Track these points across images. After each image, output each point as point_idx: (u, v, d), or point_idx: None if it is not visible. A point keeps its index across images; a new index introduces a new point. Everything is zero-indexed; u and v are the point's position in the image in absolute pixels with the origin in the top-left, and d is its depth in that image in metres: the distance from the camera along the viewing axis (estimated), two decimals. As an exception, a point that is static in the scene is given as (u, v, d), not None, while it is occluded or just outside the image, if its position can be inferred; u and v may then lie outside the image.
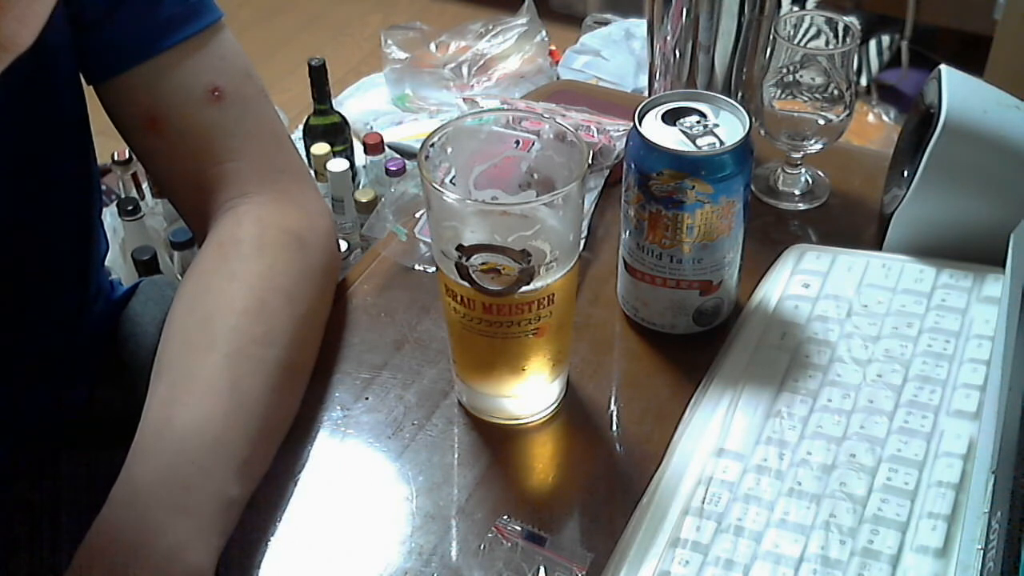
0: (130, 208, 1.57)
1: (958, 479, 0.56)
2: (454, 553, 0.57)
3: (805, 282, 0.71)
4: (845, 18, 0.77)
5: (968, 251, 0.70)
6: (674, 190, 0.62)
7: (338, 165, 1.67)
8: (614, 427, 0.65)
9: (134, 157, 1.67)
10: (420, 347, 0.70)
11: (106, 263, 0.86)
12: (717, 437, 0.61)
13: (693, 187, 0.61)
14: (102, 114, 0.69)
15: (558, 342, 0.62)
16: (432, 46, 2.13)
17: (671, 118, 0.64)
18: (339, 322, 0.72)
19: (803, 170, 0.81)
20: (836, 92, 0.75)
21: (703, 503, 0.57)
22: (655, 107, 0.64)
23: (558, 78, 2.06)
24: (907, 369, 0.63)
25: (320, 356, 0.68)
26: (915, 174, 0.70)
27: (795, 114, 0.77)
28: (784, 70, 0.75)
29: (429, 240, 0.75)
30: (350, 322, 0.72)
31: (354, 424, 0.65)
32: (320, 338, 0.68)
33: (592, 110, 0.88)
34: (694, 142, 0.62)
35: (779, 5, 0.84)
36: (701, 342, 0.68)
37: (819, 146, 0.78)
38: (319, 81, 1.77)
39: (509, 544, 0.57)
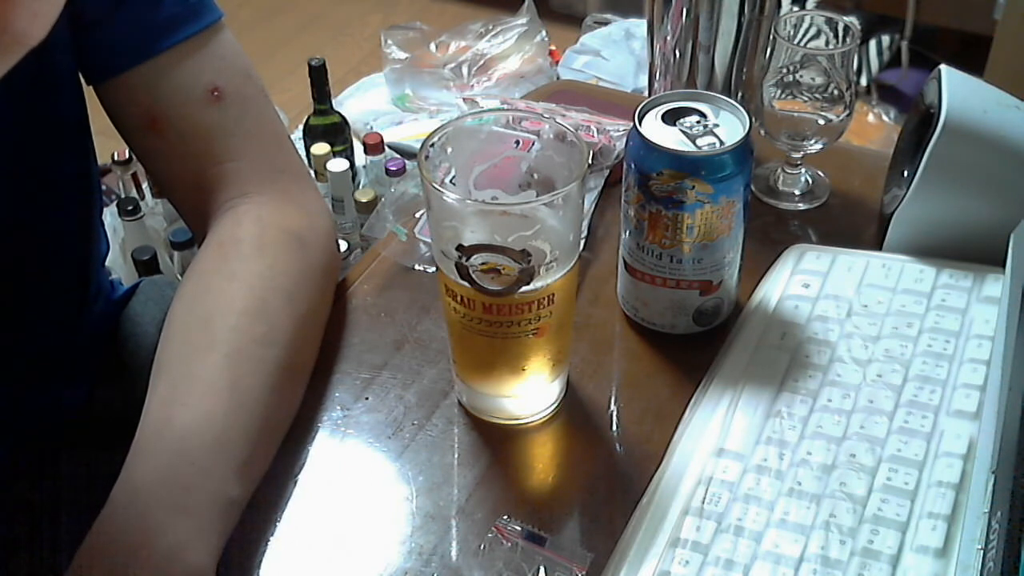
0: (130, 208, 1.57)
1: (958, 479, 0.56)
2: (454, 553, 0.57)
3: (805, 282, 0.71)
4: (845, 18, 0.77)
5: (968, 251, 0.70)
6: (674, 190, 0.62)
7: (338, 165, 1.67)
8: (614, 427, 0.65)
9: (134, 157, 1.67)
10: (420, 347, 0.70)
11: (106, 263, 0.86)
12: (717, 437, 0.61)
13: (693, 187, 0.61)
14: (102, 114, 0.69)
15: (558, 342, 0.62)
16: (432, 46, 2.13)
17: (671, 118, 0.64)
18: (339, 322, 0.72)
19: (803, 170, 0.81)
20: (836, 92, 0.75)
21: (703, 503, 0.57)
22: (655, 107, 0.64)
23: (558, 78, 2.06)
24: (907, 369, 0.63)
25: (320, 356, 0.68)
26: (915, 174, 0.70)
27: (795, 114, 0.77)
28: (784, 70, 0.75)
29: (429, 240, 0.75)
30: (350, 322, 0.72)
31: (354, 424, 0.65)
32: (320, 338, 0.68)
33: (592, 110, 0.88)
34: (694, 142, 0.62)
35: (779, 5, 0.84)
36: (701, 342, 0.68)
37: (819, 146, 0.78)
38: (319, 81, 1.77)
39: (509, 544, 0.57)
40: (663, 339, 0.69)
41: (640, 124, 0.63)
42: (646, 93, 0.90)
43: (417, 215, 0.79)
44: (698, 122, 0.63)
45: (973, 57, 1.93)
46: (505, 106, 0.95)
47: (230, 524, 0.56)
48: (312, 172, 1.70)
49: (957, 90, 0.70)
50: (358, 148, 1.84)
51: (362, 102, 2.10)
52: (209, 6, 0.68)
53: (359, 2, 2.74)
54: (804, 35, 0.78)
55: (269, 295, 0.63)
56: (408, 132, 1.96)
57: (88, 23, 0.65)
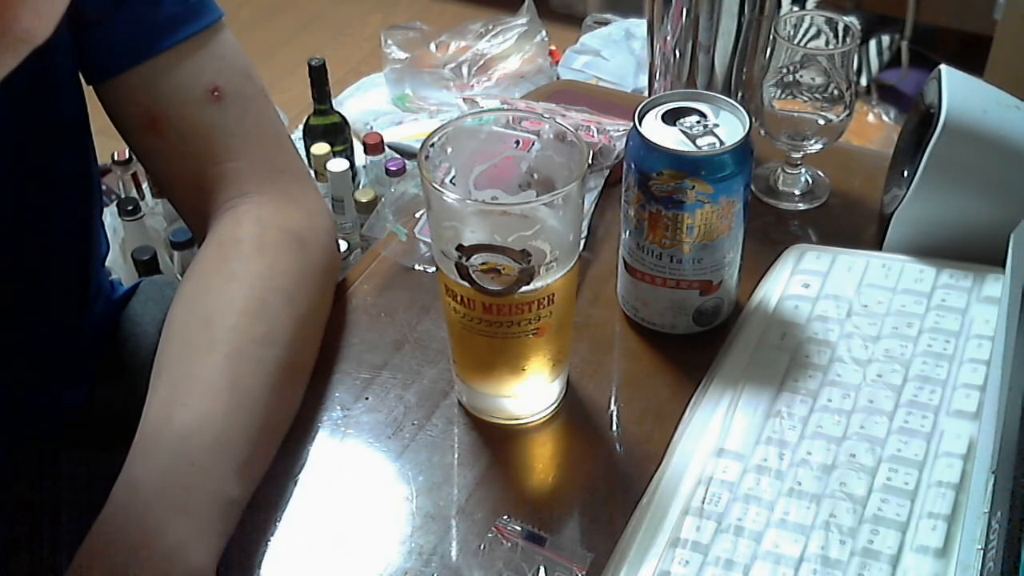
0: (130, 208, 1.57)
1: (958, 479, 0.56)
2: (454, 553, 0.57)
3: (805, 282, 0.71)
4: (845, 18, 0.77)
5: (968, 251, 0.70)
6: (674, 190, 0.62)
7: (338, 165, 1.67)
8: (614, 427, 0.65)
9: (134, 157, 1.67)
10: (420, 347, 0.70)
11: (106, 263, 0.86)
12: (717, 437, 0.61)
13: (693, 187, 0.61)
14: (102, 114, 0.69)
15: (558, 342, 0.62)
16: (432, 46, 2.13)
17: (671, 118, 0.64)
18: (339, 322, 0.72)
19: (803, 170, 0.81)
20: (836, 92, 0.75)
21: (703, 503, 0.57)
22: (655, 107, 0.64)
23: (558, 78, 2.06)
24: (907, 369, 0.63)
25: (320, 356, 0.68)
26: (915, 174, 0.70)
27: (795, 114, 0.77)
28: (784, 70, 0.75)
29: (429, 240, 0.75)
30: (350, 322, 0.72)
31: (354, 424, 0.65)
32: (320, 338, 0.68)
33: (592, 110, 0.88)
34: (694, 142, 0.62)
35: (779, 5, 0.83)
36: (701, 342, 0.68)
37: (819, 146, 0.78)
38: (319, 81, 1.77)
39: (509, 544, 0.57)
40: (663, 339, 0.69)
41: (640, 124, 0.63)
42: (646, 93, 0.90)
43: (417, 215, 0.79)
44: (698, 122, 0.63)
45: (973, 57, 1.93)
46: (505, 106, 0.95)
47: (230, 524, 0.56)
48: (312, 172, 1.70)
49: (957, 90, 0.70)
50: (358, 148, 1.84)
51: (362, 102, 2.10)
52: (209, 6, 0.68)
53: (359, 2, 2.74)
54: (804, 35, 0.78)
55: (269, 295, 0.63)
56: (408, 132, 1.96)
57: (88, 23, 0.65)
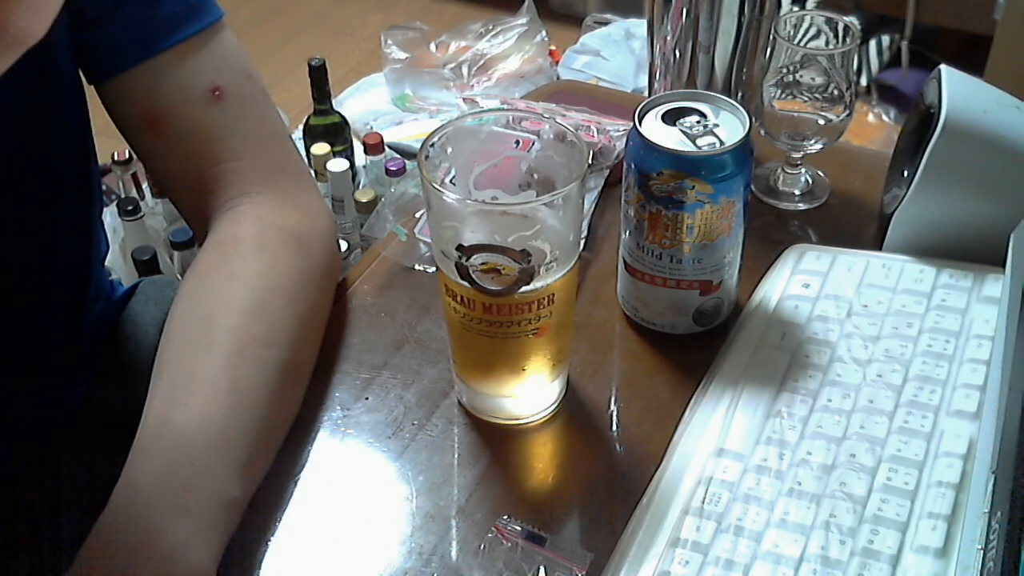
0: (130, 208, 1.57)
1: (958, 479, 0.56)
2: (454, 553, 0.57)
3: (805, 282, 0.71)
4: (845, 18, 0.77)
5: (968, 251, 0.70)
6: (674, 190, 0.62)
7: (338, 165, 1.67)
8: (614, 427, 0.65)
9: (134, 157, 1.67)
10: (420, 347, 0.70)
11: (106, 263, 0.86)
12: (717, 437, 0.61)
13: (693, 187, 0.61)
14: (102, 113, 0.69)
15: (558, 342, 0.62)
16: (432, 46, 2.13)
17: (671, 118, 0.64)
18: (339, 322, 0.72)
19: (803, 170, 0.81)
20: (836, 92, 0.75)
21: (703, 503, 0.57)
22: (655, 107, 0.64)
23: (558, 78, 2.06)
24: (907, 369, 0.63)
25: (320, 356, 0.68)
26: (915, 174, 0.70)
27: (795, 114, 0.77)
28: (784, 70, 0.75)
29: (429, 240, 0.75)
30: (350, 322, 0.72)
31: (354, 424, 0.65)
32: (321, 338, 0.68)
33: (592, 110, 0.88)
34: (694, 142, 0.62)
35: (779, 5, 0.84)
36: (701, 342, 0.68)
37: (819, 146, 0.78)
38: (319, 81, 1.77)
39: (509, 544, 0.57)
40: (663, 339, 0.69)
41: (640, 124, 0.63)
42: (646, 93, 0.90)
43: (417, 215, 0.79)
44: (698, 122, 0.63)
45: (973, 57, 1.93)
46: (505, 106, 0.95)
47: (231, 524, 0.56)
48: (312, 172, 1.70)
49: (957, 90, 0.70)
50: (358, 148, 1.84)
51: (362, 102, 2.10)
52: (210, 5, 0.68)
53: (359, 2, 2.74)
54: (804, 35, 0.78)
55: (269, 295, 0.63)
56: (408, 132, 1.96)
57: (89, 22, 0.65)
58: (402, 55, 2.10)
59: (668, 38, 0.80)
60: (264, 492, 0.59)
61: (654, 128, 0.63)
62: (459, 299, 0.58)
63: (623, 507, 0.58)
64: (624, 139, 0.81)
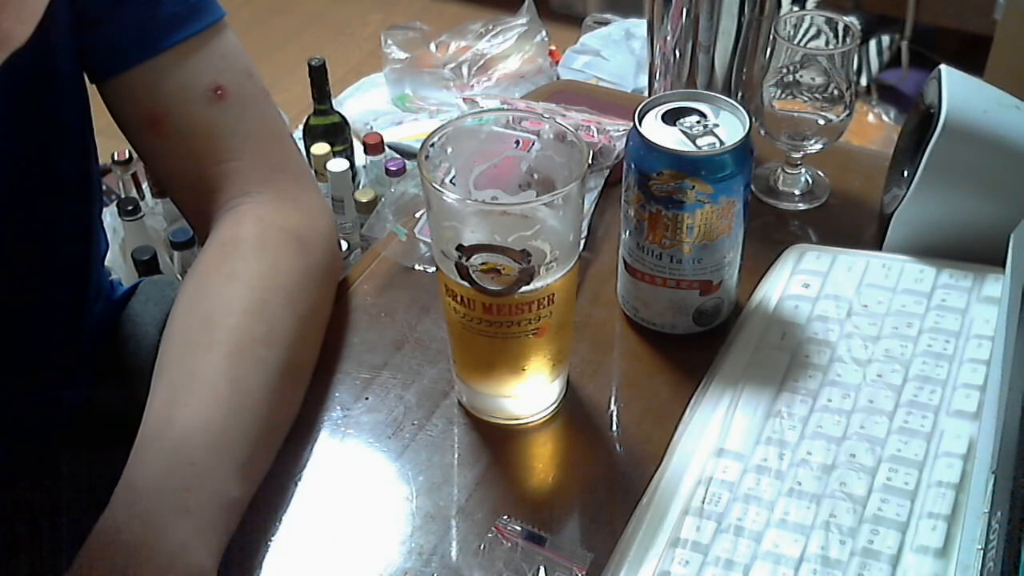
0: (130, 208, 1.57)
1: (958, 479, 0.56)
2: (454, 553, 0.57)
3: (805, 282, 0.71)
4: (845, 18, 0.77)
5: (968, 251, 0.70)
6: (674, 190, 0.62)
7: (338, 165, 1.67)
8: (614, 427, 0.65)
9: (134, 157, 1.67)
10: (420, 347, 0.70)
11: (106, 263, 0.86)
12: (717, 437, 0.61)
13: (693, 187, 0.61)
14: (102, 113, 0.69)
15: (558, 342, 0.62)
16: (432, 46, 2.13)
17: (671, 118, 0.64)
18: (339, 322, 0.72)
19: (803, 170, 0.81)
20: (836, 92, 0.75)
21: (703, 503, 0.57)
22: (655, 107, 0.64)
23: (558, 78, 2.06)
24: (907, 369, 0.63)
25: (320, 356, 0.67)
26: (915, 174, 0.70)
27: (795, 114, 0.77)
28: (784, 70, 0.75)
29: (429, 240, 0.75)
30: (350, 322, 0.72)
31: (354, 424, 0.65)
32: (321, 338, 0.68)
33: (592, 110, 0.88)
34: (694, 142, 0.62)
35: (779, 5, 0.84)
36: (701, 342, 0.68)
37: (819, 146, 0.78)
38: (319, 81, 1.77)
39: (509, 544, 0.57)
40: (663, 339, 0.69)
41: (640, 124, 0.63)
42: (646, 93, 0.90)
43: (417, 215, 0.79)
44: (698, 122, 0.63)
45: (973, 57, 1.93)
46: (505, 106, 0.95)
47: (232, 524, 0.56)
48: (312, 172, 1.70)
49: (957, 90, 0.70)
50: (358, 148, 1.84)
51: (362, 102, 2.10)
52: (211, 5, 0.68)
53: (359, 2, 2.74)
54: (804, 35, 0.78)
55: (270, 295, 0.63)
56: (408, 132, 1.96)
57: (90, 22, 0.65)
58: (402, 55, 2.10)
59: (668, 38, 0.80)
60: (264, 492, 0.59)
61: (654, 128, 0.63)
62: (459, 299, 0.58)
63: (623, 507, 0.58)
64: (624, 139, 0.81)
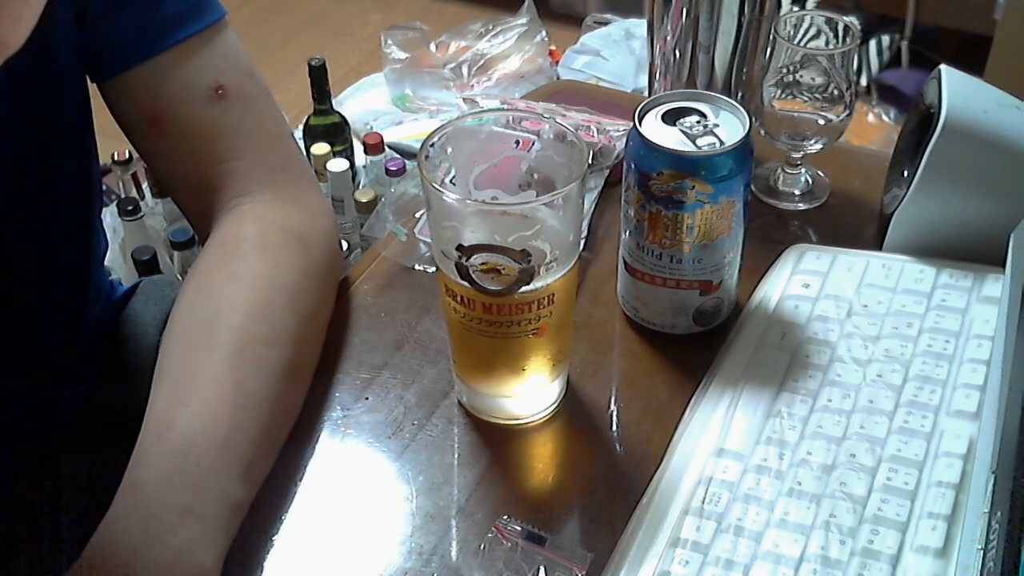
0: (130, 208, 1.57)
1: (958, 479, 0.56)
2: (454, 553, 0.57)
3: (805, 282, 0.71)
4: (845, 18, 0.77)
5: (968, 251, 0.70)
6: (674, 190, 0.62)
7: (338, 165, 1.67)
8: (614, 427, 0.65)
9: (134, 157, 1.67)
10: (420, 347, 0.70)
11: (106, 263, 0.86)
12: (717, 437, 0.61)
13: (693, 187, 0.61)
14: (102, 113, 0.69)
15: (558, 342, 0.62)
16: (432, 46, 2.13)
17: (671, 118, 0.64)
18: (339, 322, 0.72)
19: (803, 170, 0.81)
20: (836, 92, 0.75)
21: (703, 503, 0.57)
22: (655, 107, 0.64)
23: (558, 78, 2.06)
24: (907, 369, 0.63)
25: (320, 356, 0.67)
26: (915, 174, 0.70)
27: (795, 114, 0.77)
28: (784, 70, 0.75)
29: (429, 240, 0.75)
30: (350, 322, 0.72)
31: (354, 424, 0.65)
32: (323, 338, 0.68)
33: (592, 110, 0.88)
34: (694, 142, 0.62)
35: (779, 5, 0.84)
36: (701, 342, 0.68)
37: (819, 146, 0.78)
38: (319, 81, 1.77)
39: (509, 544, 0.57)
40: (663, 339, 0.69)
41: (640, 124, 0.63)
42: (646, 93, 0.90)
43: (417, 215, 0.79)
44: (698, 122, 0.63)
45: (973, 57, 1.93)
46: (505, 106, 0.95)
47: (235, 525, 0.56)
48: (313, 172, 1.70)
49: (957, 90, 0.70)
50: (358, 148, 1.84)
51: (362, 102, 2.10)
52: (212, 4, 0.68)
53: (359, 2, 2.74)
54: (804, 35, 0.78)
55: (271, 295, 0.63)
56: (408, 132, 1.96)
57: (91, 22, 0.65)
58: (402, 55, 2.10)
59: (668, 38, 0.80)
60: (264, 492, 0.59)
61: (654, 128, 0.63)
62: (459, 299, 0.59)
63: (623, 507, 0.58)
64: (624, 139, 0.81)
